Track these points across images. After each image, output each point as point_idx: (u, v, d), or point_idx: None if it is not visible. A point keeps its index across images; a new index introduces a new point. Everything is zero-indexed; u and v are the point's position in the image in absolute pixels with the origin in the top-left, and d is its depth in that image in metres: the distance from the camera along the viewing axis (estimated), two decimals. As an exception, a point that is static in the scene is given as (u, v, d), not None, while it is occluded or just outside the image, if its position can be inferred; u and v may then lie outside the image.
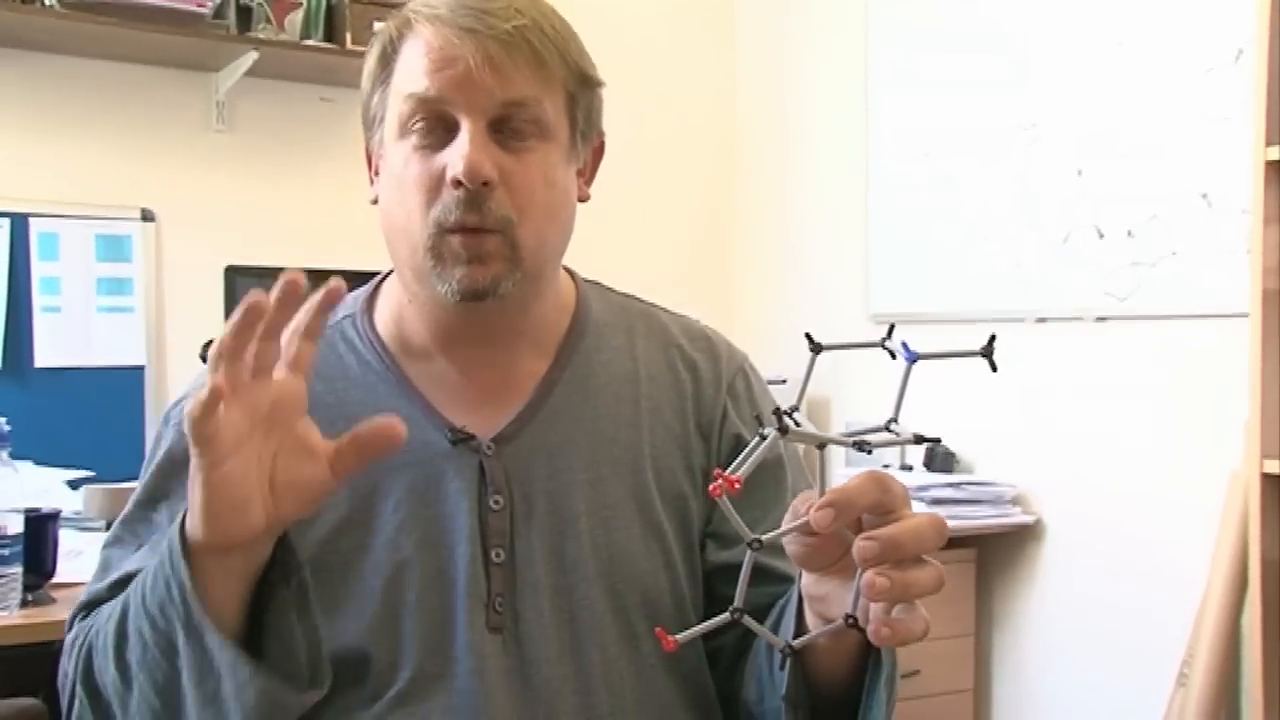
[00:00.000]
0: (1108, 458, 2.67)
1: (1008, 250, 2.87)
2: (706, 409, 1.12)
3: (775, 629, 0.96)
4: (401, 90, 1.00)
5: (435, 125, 0.99)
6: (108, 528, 2.19)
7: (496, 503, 1.02)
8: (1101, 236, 2.65)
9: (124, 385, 2.86)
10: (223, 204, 3.02)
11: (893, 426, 0.79)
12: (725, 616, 0.80)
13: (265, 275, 2.95)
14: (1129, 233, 2.59)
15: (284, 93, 3.07)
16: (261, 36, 2.87)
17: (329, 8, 2.95)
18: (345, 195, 3.08)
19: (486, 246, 0.99)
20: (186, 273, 2.96)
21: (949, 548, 3.05)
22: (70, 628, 1.04)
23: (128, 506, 1.09)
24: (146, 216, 2.92)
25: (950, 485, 2.77)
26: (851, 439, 0.79)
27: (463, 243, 0.99)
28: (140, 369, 2.88)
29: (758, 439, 0.78)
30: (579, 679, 1.02)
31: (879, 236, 3.20)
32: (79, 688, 0.97)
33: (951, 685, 2.86)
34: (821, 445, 0.80)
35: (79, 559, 1.96)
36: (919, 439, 0.80)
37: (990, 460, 2.93)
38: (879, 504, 0.78)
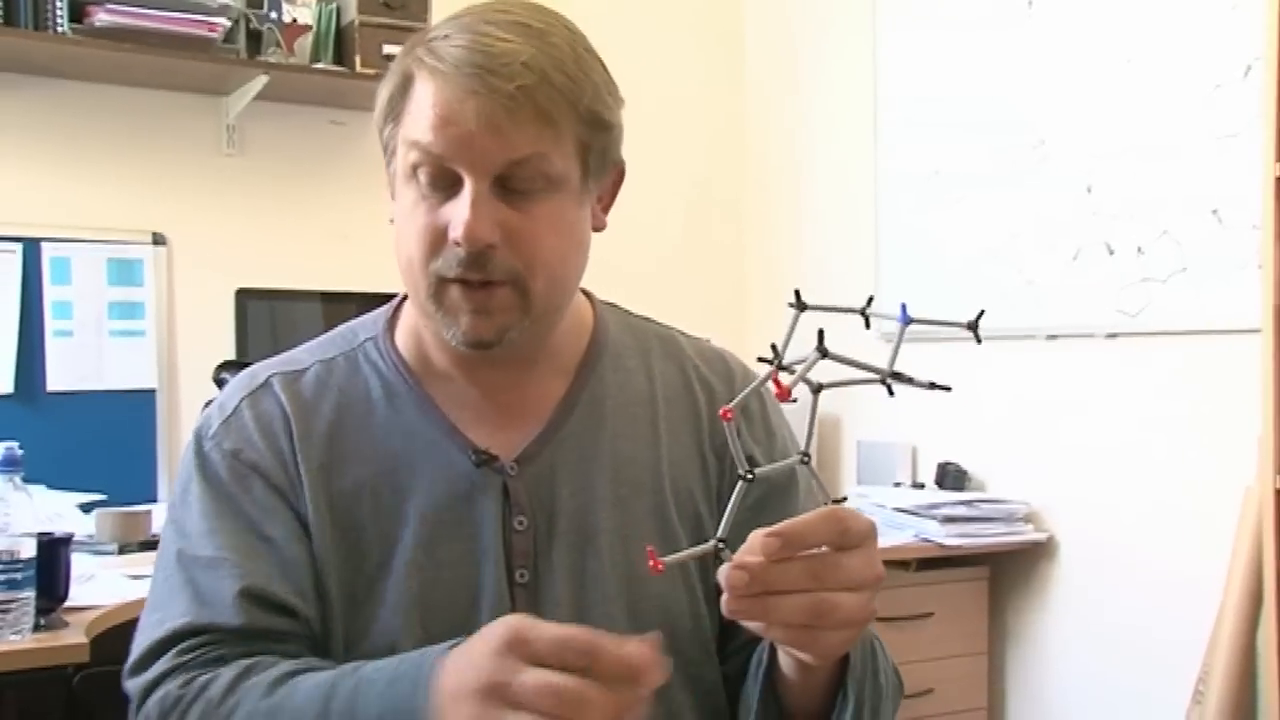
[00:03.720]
0: (1120, 474, 2.66)
1: (1018, 267, 2.86)
2: (720, 429, 1.12)
3: (754, 675, 1.01)
4: (409, 136, 0.99)
5: (440, 176, 0.97)
6: (120, 551, 2.25)
7: (521, 523, 1.03)
8: (1112, 253, 2.65)
9: (136, 409, 2.87)
10: (233, 227, 3.03)
11: (890, 382, 0.80)
12: (710, 545, 0.82)
13: (276, 298, 2.97)
14: (1139, 249, 2.59)
15: (294, 116, 3.09)
16: (271, 60, 2.88)
17: (338, 31, 2.97)
18: (356, 218, 3.11)
19: (494, 300, 0.98)
20: (197, 296, 2.96)
21: (961, 565, 3.03)
22: (157, 659, 0.96)
23: (179, 545, 1.02)
24: (158, 240, 2.94)
25: (962, 503, 2.76)
26: (881, 375, 0.78)
27: (466, 295, 0.98)
28: (152, 392, 2.89)
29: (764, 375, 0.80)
30: None
31: (888, 255, 3.20)
32: None
33: (965, 704, 2.84)
34: (818, 388, 0.81)
35: (91, 583, 1.96)
36: (932, 385, 0.80)
37: (1002, 478, 2.93)
38: (833, 543, 0.81)
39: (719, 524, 1.07)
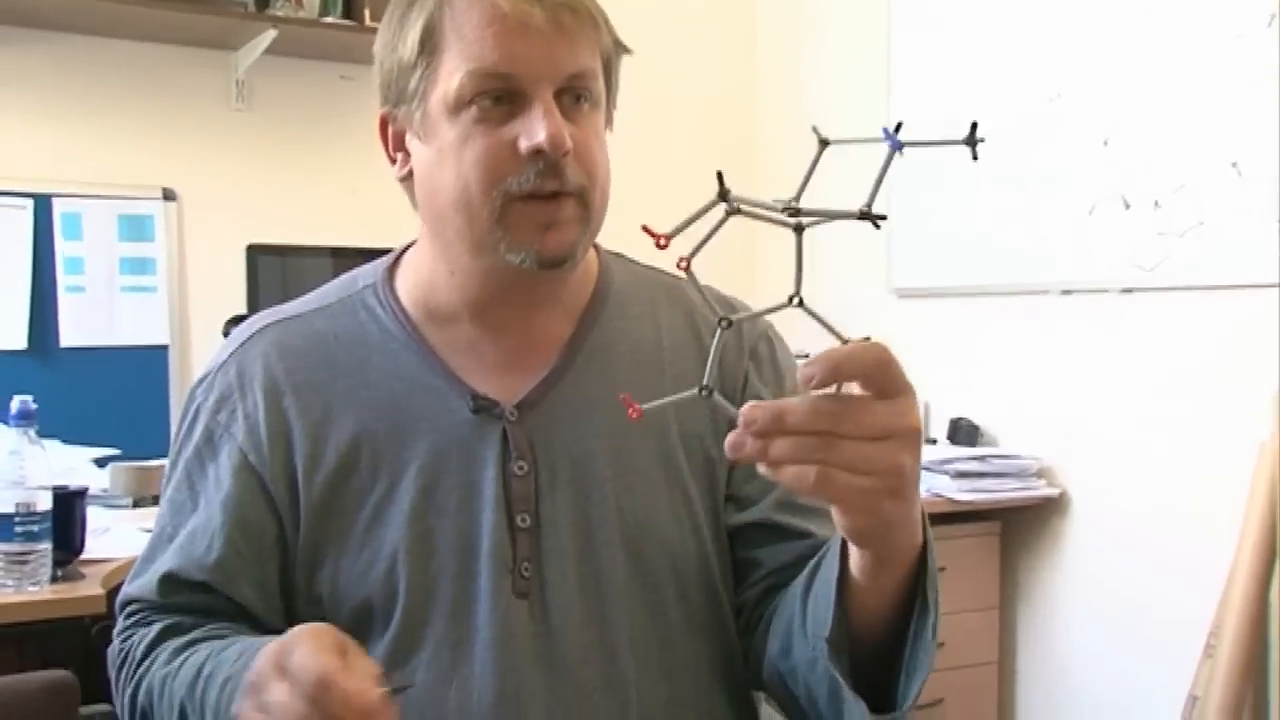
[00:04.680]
0: (1134, 430, 2.65)
1: (1032, 222, 2.84)
2: (730, 374, 1.12)
3: (817, 569, 0.94)
4: (458, 66, 0.98)
5: (501, 98, 0.98)
6: (135, 505, 2.26)
7: (520, 468, 1.03)
8: (1128, 207, 2.63)
9: (148, 364, 2.87)
10: (243, 183, 3.02)
11: (865, 210, 0.73)
12: (693, 391, 0.75)
13: (287, 254, 2.97)
14: (1156, 203, 2.57)
15: (303, 71, 3.07)
16: (280, 14, 2.86)
17: (348, -16, 2.95)
18: (365, 173, 3.07)
19: (564, 212, 1.00)
20: (208, 252, 2.96)
21: (973, 520, 3.02)
22: (116, 620, 1.07)
23: (162, 499, 1.10)
24: (168, 196, 2.93)
25: (974, 459, 2.76)
26: (784, 208, 0.72)
27: (539, 209, 0.99)
28: (164, 348, 2.90)
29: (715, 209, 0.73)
30: (604, 646, 1.02)
31: (901, 209, 3.18)
32: None
33: (976, 658, 2.85)
34: (799, 226, 0.73)
35: (107, 535, 1.98)
36: (863, 214, 0.72)
37: (1015, 433, 2.92)
38: (871, 380, 0.72)
39: (730, 464, 1.07)
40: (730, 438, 0.72)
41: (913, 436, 0.73)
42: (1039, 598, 2.90)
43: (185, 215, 2.96)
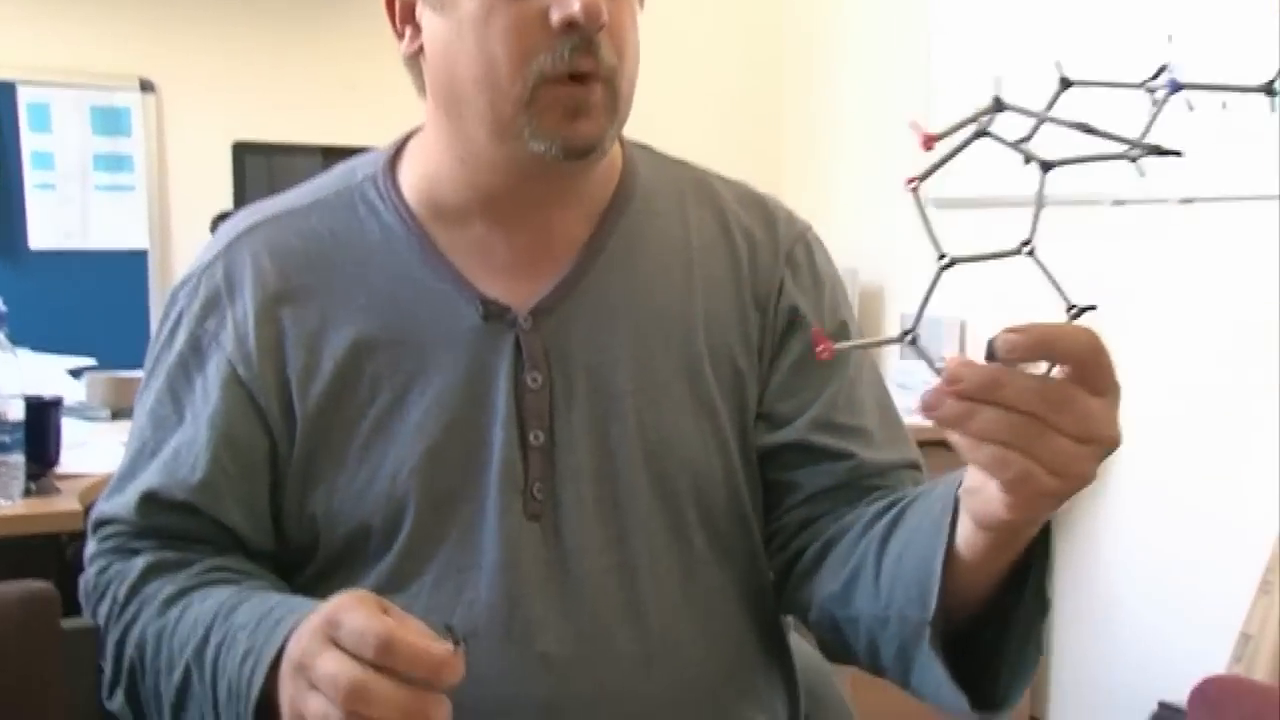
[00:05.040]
0: (1190, 352, 2.61)
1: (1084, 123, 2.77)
2: (763, 279, 1.09)
3: (895, 526, 0.93)
4: None
5: None
6: (113, 417, 2.25)
7: (534, 380, 1.00)
8: (1191, 109, 2.56)
9: (126, 269, 2.84)
10: (229, 74, 2.97)
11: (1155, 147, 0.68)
12: (896, 335, 0.72)
13: (276, 152, 2.92)
14: (1224, 104, 2.50)
15: (294, -49, 3.00)
16: (267, -113, 2.79)
17: None
18: (363, 66, 3.03)
19: (593, 97, 0.95)
20: (191, 148, 2.92)
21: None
22: (90, 537, 1.04)
23: (140, 408, 1.06)
24: (146, 87, 2.87)
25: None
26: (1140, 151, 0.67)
27: (569, 94, 0.94)
28: (143, 253, 2.87)
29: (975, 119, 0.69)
30: (622, 572, 1.00)
31: (940, 111, 3.11)
32: (119, 690, 0.99)
33: (1011, 595, 2.85)
34: (1047, 165, 0.70)
35: (83, 449, 1.97)
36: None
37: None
38: (1085, 369, 0.68)
39: (763, 379, 1.04)
40: (925, 396, 0.68)
41: (1111, 447, 0.70)
42: (1083, 530, 2.88)
43: (165, 109, 2.91)
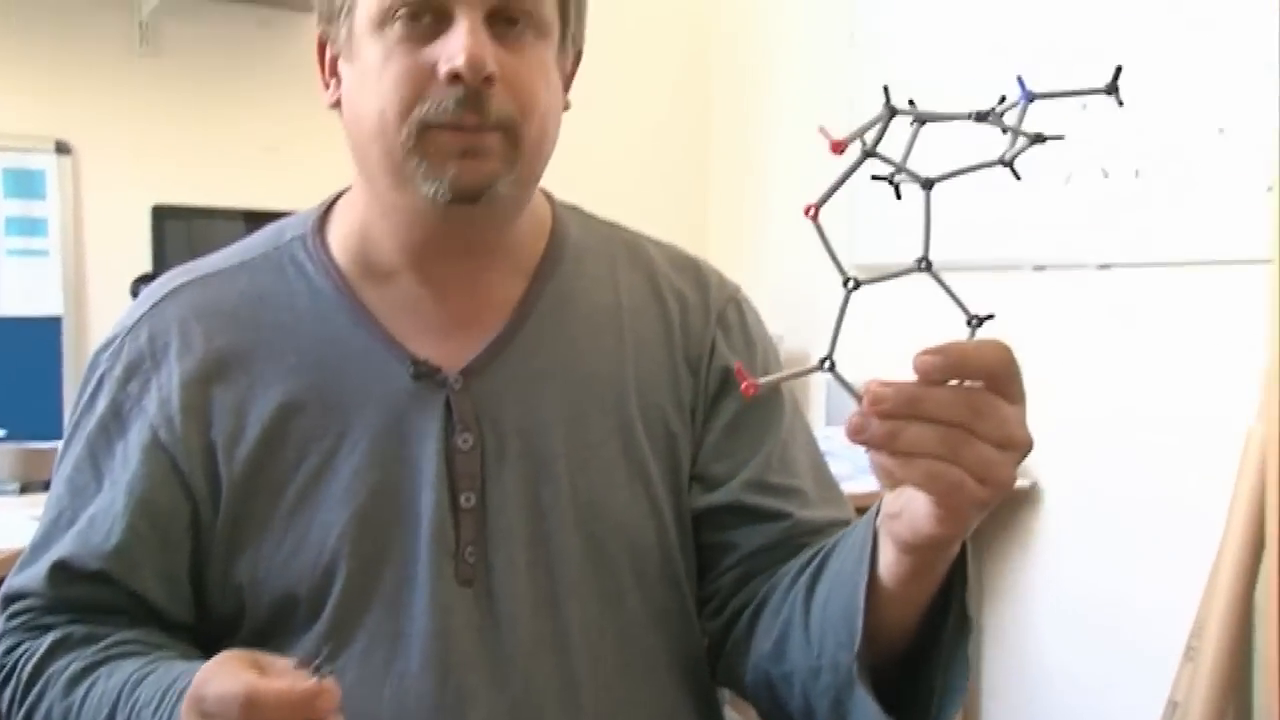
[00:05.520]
0: (1110, 415, 2.64)
1: (1003, 192, 2.82)
2: (695, 340, 1.09)
3: (821, 570, 0.92)
4: None
5: (423, 14, 0.94)
6: (22, 490, 2.17)
7: (465, 442, 0.98)
8: (1106, 176, 2.62)
9: (39, 337, 2.77)
10: (149, 137, 2.92)
11: (1010, 167, 0.72)
12: (815, 365, 0.72)
13: (196, 216, 2.88)
14: (1136, 172, 2.56)
15: (216, 14, 2.96)
16: (190, -50, 2.77)
17: (265, -81, 2.86)
18: (285, 129, 3.00)
19: (485, 142, 0.95)
20: (109, 212, 2.86)
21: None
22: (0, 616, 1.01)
23: (57, 477, 1.04)
24: (62, 149, 2.82)
25: (941, 446, 2.74)
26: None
27: (454, 138, 0.94)
28: (57, 320, 2.80)
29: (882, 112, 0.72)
30: (556, 638, 0.98)
31: (862, 176, 3.15)
32: None
33: (941, 660, 2.84)
34: (929, 183, 0.75)
35: (-11, 522, 1.90)
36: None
37: (984, 419, 2.90)
38: (998, 381, 0.71)
39: (696, 441, 1.03)
40: (851, 420, 0.68)
41: (1026, 452, 0.73)
42: (1006, 597, 2.89)
43: (82, 171, 2.85)
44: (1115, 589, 2.63)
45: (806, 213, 0.70)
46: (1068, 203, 2.69)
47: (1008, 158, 0.71)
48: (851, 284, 0.72)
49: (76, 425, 1.03)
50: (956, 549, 0.82)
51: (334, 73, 1.02)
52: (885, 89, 0.68)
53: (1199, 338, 2.47)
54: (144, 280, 2.49)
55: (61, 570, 0.97)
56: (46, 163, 2.80)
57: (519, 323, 1.04)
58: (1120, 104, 0.71)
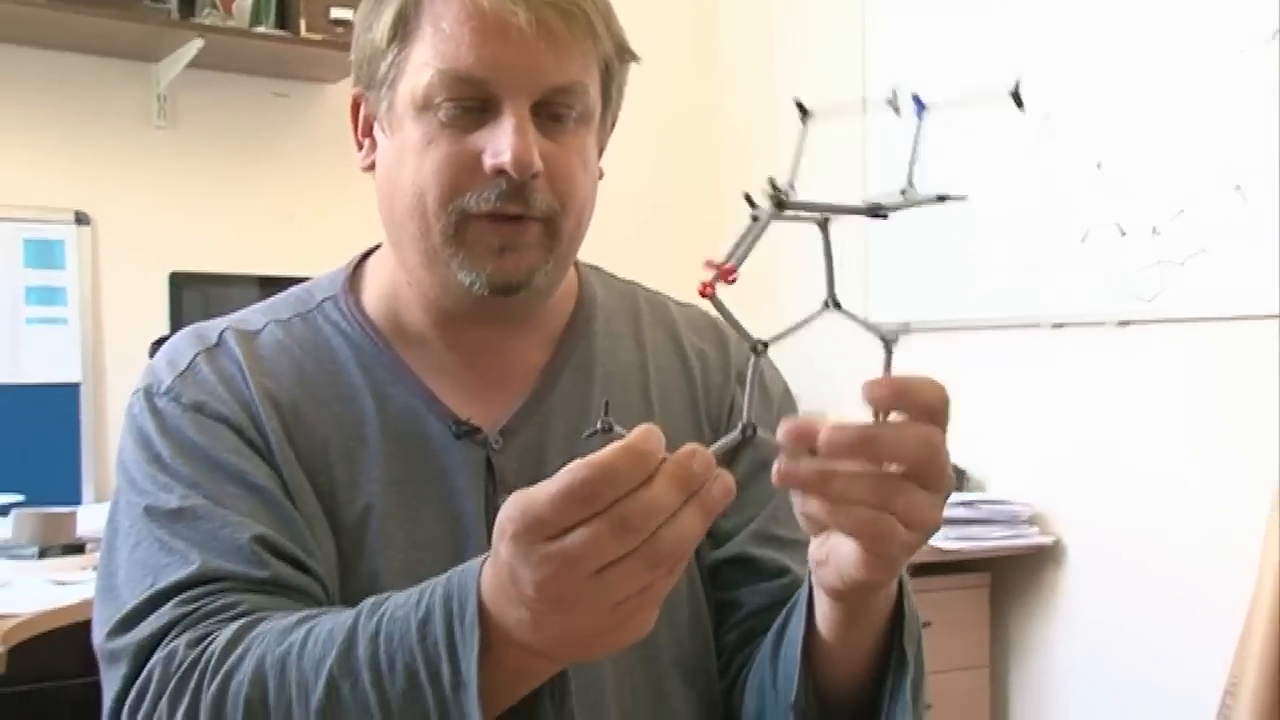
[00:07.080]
0: (1133, 473, 2.63)
1: (1022, 251, 2.83)
2: (714, 399, 1.10)
3: (786, 623, 0.92)
4: (430, 61, 0.93)
5: (470, 104, 0.93)
6: (41, 555, 2.17)
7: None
8: (1124, 234, 2.62)
9: (58, 403, 2.78)
10: (165, 207, 2.95)
11: (908, 191, 0.72)
12: (736, 434, 0.72)
13: (213, 284, 2.89)
14: (1154, 229, 2.56)
15: (232, 86, 3.01)
16: (207, 23, 2.80)
17: (282, -9, 2.90)
18: (300, 198, 3.05)
19: (524, 236, 0.95)
20: (126, 281, 2.89)
21: (961, 571, 2.99)
22: (116, 635, 0.89)
23: (147, 503, 0.94)
24: (81, 220, 2.85)
25: (962, 504, 2.73)
26: (866, 206, 0.71)
27: (495, 230, 0.94)
28: (75, 386, 2.81)
29: (751, 222, 0.70)
30: (590, 693, 0.97)
31: (879, 237, 3.16)
32: None
33: (967, 722, 2.81)
34: (825, 221, 0.73)
35: (8, 589, 1.92)
36: (942, 198, 0.71)
37: (1004, 477, 2.89)
38: (935, 417, 0.70)
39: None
40: (779, 466, 0.68)
41: (950, 491, 0.73)
42: (1033, 655, 2.86)
43: (100, 241, 2.88)
44: (1143, 647, 2.60)
45: (702, 292, 0.67)
46: (1085, 260, 2.69)
47: (895, 204, 0.72)
48: (761, 347, 0.72)
49: (141, 453, 0.95)
50: (894, 590, 0.82)
51: (367, 134, 1.02)
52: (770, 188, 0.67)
53: (1219, 392, 2.47)
54: (161, 343, 2.49)
55: (263, 544, 0.89)
56: (66, 233, 2.83)
57: (549, 384, 1.04)
58: (1022, 108, 0.68)
